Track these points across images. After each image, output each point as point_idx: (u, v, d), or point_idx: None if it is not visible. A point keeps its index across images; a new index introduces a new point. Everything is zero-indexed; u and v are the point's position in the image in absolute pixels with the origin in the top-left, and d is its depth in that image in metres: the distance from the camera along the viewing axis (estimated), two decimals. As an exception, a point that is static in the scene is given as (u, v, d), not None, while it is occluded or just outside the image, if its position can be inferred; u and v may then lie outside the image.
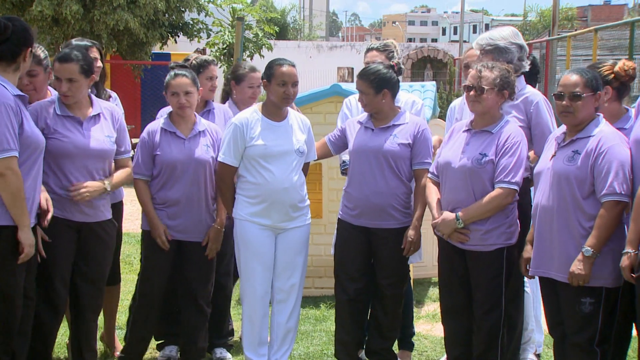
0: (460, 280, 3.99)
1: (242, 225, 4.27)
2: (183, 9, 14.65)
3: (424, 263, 6.04)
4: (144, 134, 4.25)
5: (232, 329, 4.92)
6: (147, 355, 4.63)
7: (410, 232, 4.18)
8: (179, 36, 15.53)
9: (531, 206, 3.79)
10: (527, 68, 4.26)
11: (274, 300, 4.38)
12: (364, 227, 4.25)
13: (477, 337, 3.95)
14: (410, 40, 64.75)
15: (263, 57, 15.97)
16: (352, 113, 4.68)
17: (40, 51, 3.98)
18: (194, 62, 4.63)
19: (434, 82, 7.03)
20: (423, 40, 62.46)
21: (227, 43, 15.80)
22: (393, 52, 4.75)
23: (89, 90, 4.04)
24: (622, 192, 3.38)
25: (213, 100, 4.77)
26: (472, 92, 3.86)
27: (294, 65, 4.26)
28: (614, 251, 3.43)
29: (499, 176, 3.81)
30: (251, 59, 16.33)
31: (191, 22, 15.52)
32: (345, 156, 4.53)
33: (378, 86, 4.16)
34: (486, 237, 3.85)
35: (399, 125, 4.24)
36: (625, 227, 3.48)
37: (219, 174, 4.34)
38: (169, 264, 4.27)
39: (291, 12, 39.35)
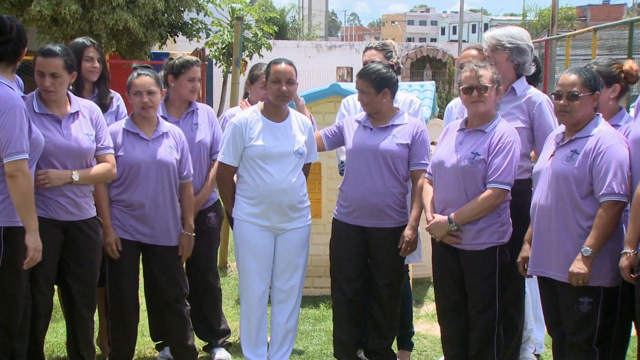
0: (454, 280, 4.00)
1: (240, 226, 4.27)
2: (182, 9, 14.65)
3: (424, 263, 6.03)
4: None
5: (228, 328, 4.88)
6: (148, 355, 4.63)
7: (407, 232, 4.18)
8: (178, 36, 15.54)
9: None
10: (532, 71, 4.26)
11: (273, 301, 4.38)
12: (360, 227, 4.24)
13: (472, 336, 3.96)
14: (409, 40, 64.77)
15: (262, 56, 15.97)
16: (350, 113, 4.68)
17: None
18: (176, 61, 4.53)
19: (433, 82, 7.02)
20: (422, 40, 62.49)
21: (226, 43, 15.81)
22: (391, 51, 4.75)
23: (70, 87, 3.98)
24: (621, 192, 3.38)
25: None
26: (474, 93, 3.85)
27: (290, 64, 4.23)
28: (612, 251, 3.44)
29: (492, 176, 3.81)
30: (250, 59, 16.34)
31: (190, 22, 15.52)
32: (344, 156, 4.52)
33: (379, 85, 4.16)
34: (478, 236, 3.85)
35: (398, 125, 4.23)
36: (624, 226, 3.48)
37: (218, 174, 4.34)
38: (135, 268, 4.22)
39: (290, 11, 39.34)
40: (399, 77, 4.44)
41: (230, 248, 7.05)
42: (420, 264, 6.14)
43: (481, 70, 3.85)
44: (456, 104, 4.62)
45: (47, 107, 3.82)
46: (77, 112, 3.91)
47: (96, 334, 4.75)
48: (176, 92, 4.53)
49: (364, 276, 4.31)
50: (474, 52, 4.61)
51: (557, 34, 16.41)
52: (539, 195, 3.62)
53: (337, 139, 4.43)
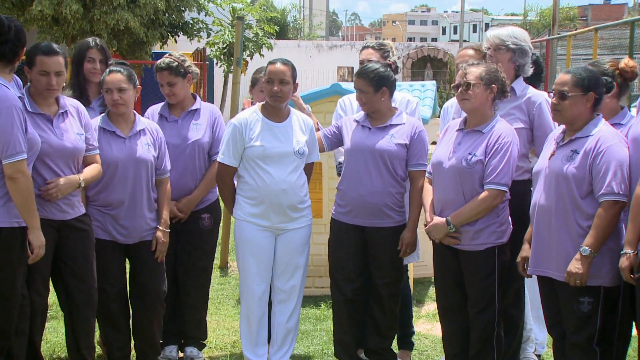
0: (455, 280, 4.00)
1: (241, 226, 4.27)
2: (183, 9, 14.68)
3: (424, 262, 6.03)
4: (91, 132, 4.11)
5: (205, 332, 4.77)
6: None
7: (406, 235, 4.17)
8: (179, 35, 15.56)
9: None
10: (530, 73, 4.26)
11: (274, 301, 4.38)
12: (359, 226, 4.24)
13: (472, 335, 3.96)
14: (410, 39, 64.75)
15: (263, 56, 15.99)
16: (347, 113, 4.67)
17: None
18: (159, 62, 4.51)
19: (434, 82, 7.02)
20: (423, 39, 62.45)
21: (227, 42, 15.83)
22: (388, 51, 4.74)
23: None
24: (620, 192, 3.38)
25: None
26: (459, 90, 3.86)
27: (286, 64, 4.20)
28: (612, 250, 3.44)
29: (489, 177, 3.80)
30: (251, 59, 16.36)
31: (191, 22, 15.54)
32: (342, 158, 4.52)
33: (377, 84, 4.16)
34: (476, 237, 3.85)
35: (397, 125, 4.23)
36: (623, 226, 3.48)
37: (218, 174, 4.33)
38: (119, 268, 4.19)
39: (291, 11, 39.37)
40: (400, 77, 4.44)
41: (231, 248, 7.05)
42: (420, 264, 6.14)
43: (469, 68, 3.86)
44: (452, 104, 4.62)
45: (38, 106, 3.77)
46: (66, 111, 3.89)
47: (97, 334, 4.76)
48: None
49: (363, 276, 4.31)
50: (470, 52, 4.61)
51: (558, 34, 16.41)
52: (539, 195, 3.62)
53: (336, 139, 4.42)
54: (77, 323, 4.01)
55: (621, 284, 3.44)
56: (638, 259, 3.27)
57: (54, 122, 3.80)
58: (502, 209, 3.90)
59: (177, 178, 4.42)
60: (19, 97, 3.47)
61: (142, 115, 4.47)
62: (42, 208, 3.73)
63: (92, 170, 3.95)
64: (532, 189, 3.85)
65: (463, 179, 3.84)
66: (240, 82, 7.19)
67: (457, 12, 74.26)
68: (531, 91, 4.16)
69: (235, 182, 4.35)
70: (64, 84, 3.96)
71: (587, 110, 3.55)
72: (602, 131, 3.50)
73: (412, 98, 4.77)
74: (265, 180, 4.16)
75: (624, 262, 3.30)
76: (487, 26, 58.84)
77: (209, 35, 16.23)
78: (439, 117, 6.96)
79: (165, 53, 4.73)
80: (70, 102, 3.94)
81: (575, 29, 22.78)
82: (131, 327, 4.34)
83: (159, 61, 4.55)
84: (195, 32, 15.63)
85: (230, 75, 10.42)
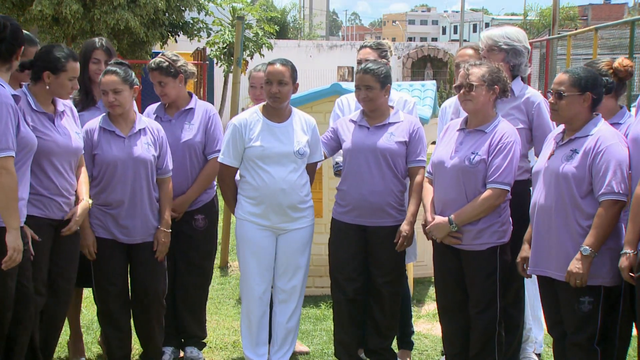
0: (455, 279, 3.99)
1: (241, 225, 4.28)
2: (183, 8, 14.67)
3: (424, 262, 6.04)
4: (82, 132, 4.12)
5: (204, 332, 4.76)
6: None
7: (405, 227, 4.17)
8: (179, 35, 15.55)
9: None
10: (528, 72, 4.26)
11: (275, 301, 4.38)
12: (360, 226, 4.24)
13: (473, 335, 3.96)
14: (410, 39, 64.77)
15: (263, 56, 15.97)
16: (344, 112, 4.67)
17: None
18: (150, 62, 4.52)
19: (434, 81, 7.02)
20: (423, 39, 62.42)
21: (227, 42, 15.82)
22: (386, 51, 4.75)
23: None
24: (620, 192, 3.38)
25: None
26: (462, 91, 3.86)
27: (285, 64, 4.19)
28: (612, 250, 3.44)
29: (492, 176, 3.81)
30: (251, 59, 16.34)
31: (191, 22, 15.53)
32: (339, 157, 4.52)
33: (384, 82, 4.18)
34: (479, 237, 3.85)
35: (395, 123, 4.24)
36: (623, 225, 3.48)
37: (219, 174, 4.35)
38: (121, 267, 4.18)
39: (291, 11, 39.35)
40: (398, 77, 4.46)
41: (231, 248, 7.05)
42: (420, 264, 6.14)
43: (472, 69, 3.86)
44: (450, 104, 4.62)
45: (41, 106, 3.78)
46: (64, 110, 3.90)
47: (98, 334, 4.76)
48: None
49: (364, 275, 4.31)
50: (469, 51, 4.61)
51: (559, 34, 16.42)
52: (539, 195, 3.62)
53: (335, 144, 4.42)
54: (52, 322, 3.96)
55: (621, 283, 3.44)
56: (638, 259, 3.27)
57: (55, 121, 3.81)
58: (503, 209, 3.90)
59: (171, 178, 4.40)
60: (15, 95, 3.44)
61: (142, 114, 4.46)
62: (45, 207, 3.74)
63: (86, 184, 3.99)
64: (531, 188, 3.85)
65: (466, 178, 3.84)
66: (240, 82, 7.20)
67: (457, 11, 74.27)
68: (529, 91, 4.16)
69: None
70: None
71: (585, 110, 3.54)
72: (601, 131, 3.50)
73: (410, 98, 4.78)
74: (265, 180, 4.16)
75: (623, 262, 3.30)
76: (487, 26, 58.82)
77: (209, 35, 16.22)
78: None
79: (159, 54, 4.71)
80: (62, 102, 3.94)
81: (576, 29, 22.78)
82: (133, 328, 4.34)
83: (150, 61, 4.55)
84: (196, 32, 15.63)
85: (231, 75, 10.42)
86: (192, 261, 4.53)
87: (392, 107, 4.34)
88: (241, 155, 4.23)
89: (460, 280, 3.98)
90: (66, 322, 4.63)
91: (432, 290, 6.10)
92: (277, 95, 4.15)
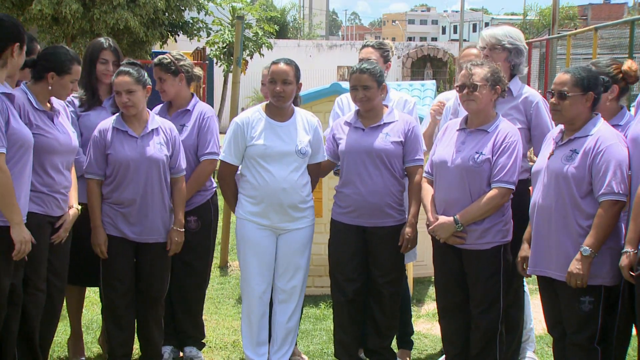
0: (456, 279, 3.99)
1: (242, 224, 4.28)
2: (183, 8, 14.66)
3: (424, 262, 6.04)
4: (95, 132, 4.14)
5: (202, 332, 4.75)
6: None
7: (407, 230, 4.17)
8: (179, 35, 15.54)
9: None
10: (525, 72, 4.26)
11: (275, 300, 4.38)
12: (360, 227, 4.24)
13: (475, 335, 3.95)
14: (410, 39, 64.76)
15: (263, 56, 15.98)
16: (344, 111, 4.67)
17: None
18: (156, 59, 4.55)
19: (434, 81, 7.05)
20: (423, 39, 62.43)
21: (227, 42, 15.82)
22: (388, 51, 4.75)
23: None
24: (620, 192, 3.38)
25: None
26: (465, 91, 3.85)
27: (289, 64, 4.20)
28: (612, 249, 3.44)
29: (497, 175, 3.81)
30: (251, 58, 16.35)
31: (191, 21, 15.53)
32: None
33: (380, 81, 4.18)
34: (483, 236, 3.85)
35: (390, 123, 4.23)
36: (622, 225, 3.48)
37: (219, 172, 4.35)
38: (128, 266, 4.18)
39: (291, 11, 39.36)
40: (398, 76, 4.46)
41: (231, 247, 7.05)
42: (420, 263, 6.14)
43: (475, 69, 3.85)
44: (448, 106, 4.62)
45: (41, 104, 3.78)
46: (58, 110, 3.91)
47: (98, 333, 4.76)
48: None
49: (363, 276, 4.31)
50: (474, 50, 4.61)
51: (558, 33, 16.41)
52: (539, 195, 3.62)
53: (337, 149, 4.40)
54: (46, 320, 3.93)
55: (621, 283, 3.44)
56: (638, 257, 3.27)
57: (54, 119, 3.82)
58: (506, 208, 3.90)
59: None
60: (8, 94, 3.42)
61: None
62: (44, 204, 3.75)
63: (75, 189, 4.01)
64: (530, 188, 3.85)
65: (470, 177, 3.84)
66: (240, 82, 7.19)
67: (457, 11, 74.26)
68: (527, 90, 4.16)
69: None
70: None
71: (587, 110, 3.55)
72: (601, 131, 3.50)
73: (410, 98, 4.77)
74: (266, 179, 4.16)
75: (624, 260, 3.31)
76: (487, 25, 58.82)
77: (208, 34, 16.22)
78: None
79: (165, 52, 4.72)
80: (57, 101, 3.95)
81: (575, 29, 22.78)
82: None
83: (163, 57, 4.58)
84: (195, 32, 15.62)
85: (230, 75, 10.42)
86: (186, 262, 4.51)
87: (387, 107, 4.33)
88: (242, 154, 4.23)
89: (461, 280, 3.98)
90: (67, 321, 4.65)
91: (432, 290, 6.10)
92: (281, 94, 4.15)
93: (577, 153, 3.49)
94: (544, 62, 16.32)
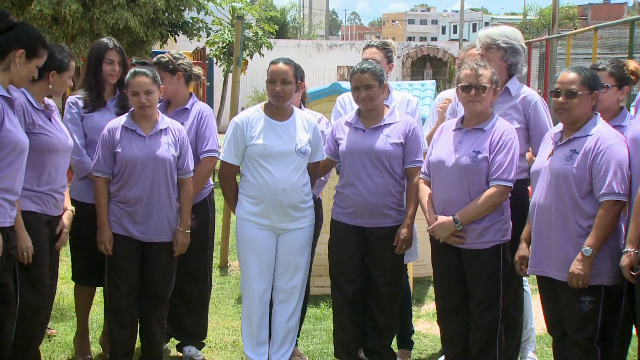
0: (455, 279, 3.99)
1: (242, 224, 4.27)
2: (183, 8, 14.65)
3: (424, 261, 6.03)
4: (105, 131, 4.15)
5: (203, 331, 4.77)
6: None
7: (403, 230, 4.17)
8: (178, 35, 15.53)
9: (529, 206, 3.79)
10: (524, 71, 4.26)
11: (275, 300, 4.38)
12: (359, 227, 4.24)
13: (475, 335, 3.95)
14: (410, 39, 64.75)
15: (263, 55, 15.98)
16: (346, 110, 4.67)
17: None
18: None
19: (434, 81, 7.04)
20: (423, 39, 62.44)
21: (227, 42, 15.82)
22: (391, 51, 4.75)
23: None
24: (621, 192, 3.38)
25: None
26: (472, 92, 3.84)
27: (289, 63, 4.20)
28: (612, 249, 3.44)
29: (495, 173, 3.80)
30: (251, 58, 16.36)
31: (191, 21, 15.52)
32: None
33: (381, 80, 4.18)
34: (483, 235, 3.85)
35: (390, 124, 4.23)
36: (622, 224, 3.48)
37: (220, 172, 4.36)
38: (134, 265, 4.18)
39: (291, 11, 39.37)
40: (397, 76, 4.46)
41: (231, 247, 7.05)
42: (420, 263, 6.13)
43: (481, 70, 3.84)
44: (442, 97, 4.62)
45: (39, 103, 3.79)
46: (54, 109, 3.92)
47: (99, 333, 4.76)
48: None
49: (363, 276, 4.31)
50: (479, 45, 4.62)
51: (558, 33, 16.41)
52: (539, 195, 3.62)
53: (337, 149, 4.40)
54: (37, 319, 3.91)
55: (623, 282, 3.44)
56: (638, 257, 3.28)
57: (51, 118, 3.82)
58: (505, 207, 3.90)
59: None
60: (6, 97, 3.41)
61: None
62: (43, 203, 3.75)
63: (67, 191, 4.02)
64: (528, 188, 3.85)
65: (469, 177, 3.83)
66: (240, 82, 7.19)
67: (456, 11, 74.24)
68: (525, 90, 4.16)
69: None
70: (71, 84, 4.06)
71: (590, 109, 3.56)
72: (601, 131, 3.51)
73: (413, 98, 4.77)
74: (266, 179, 4.16)
75: (624, 260, 3.31)
76: (486, 25, 58.77)
77: (208, 34, 16.21)
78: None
79: (165, 52, 4.73)
80: (48, 100, 3.94)
81: (575, 28, 22.77)
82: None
83: (162, 56, 4.61)
84: (195, 32, 15.61)
85: (230, 75, 10.42)
86: (187, 261, 4.52)
87: (388, 107, 4.33)
88: (242, 154, 4.23)
89: (461, 280, 3.97)
90: (68, 320, 4.65)
91: (432, 290, 6.09)
92: (280, 94, 4.16)
93: (578, 153, 3.49)
94: (543, 62, 16.32)
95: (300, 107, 4.53)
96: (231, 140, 4.23)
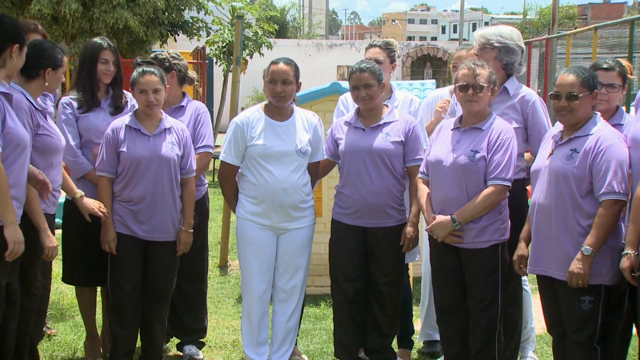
0: (454, 278, 3.98)
1: (242, 224, 4.27)
2: (183, 8, 14.66)
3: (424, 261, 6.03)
4: (108, 130, 4.16)
5: (203, 327, 4.80)
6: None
7: (409, 229, 4.17)
8: (178, 34, 15.54)
9: (528, 206, 3.79)
10: (523, 71, 4.26)
11: (275, 300, 4.38)
12: (360, 227, 4.23)
13: (474, 334, 3.95)
14: (409, 38, 64.71)
15: (263, 55, 15.96)
16: (348, 110, 4.66)
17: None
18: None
19: (434, 80, 7.03)
20: (423, 38, 62.41)
21: (227, 41, 15.79)
22: (394, 51, 4.75)
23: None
24: (621, 191, 3.38)
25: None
26: (469, 91, 3.84)
27: (289, 64, 4.20)
28: (612, 248, 3.44)
29: (493, 173, 3.80)
30: (251, 58, 16.34)
31: (191, 21, 15.52)
32: None
33: (380, 78, 4.19)
34: (481, 234, 3.84)
35: (390, 123, 4.23)
36: (622, 224, 3.48)
37: (220, 172, 4.36)
38: (137, 264, 4.18)
39: (291, 10, 39.37)
40: (397, 75, 4.47)
41: (231, 247, 7.05)
42: (421, 263, 6.13)
43: (479, 69, 3.84)
44: (436, 96, 4.61)
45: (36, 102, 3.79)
46: (48, 108, 3.93)
47: (98, 332, 4.76)
48: None
49: (364, 276, 4.30)
50: (476, 45, 4.62)
51: (558, 33, 16.41)
52: (539, 194, 3.62)
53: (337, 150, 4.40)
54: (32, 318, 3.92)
55: (623, 282, 3.44)
56: (638, 259, 3.27)
57: (47, 118, 3.83)
58: (503, 206, 3.90)
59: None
60: (6, 93, 3.41)
61: None
62: (43, 202, 3.74)
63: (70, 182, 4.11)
64: (527, 187, 3.85)
65: (467, 176, 3.83)
66: (240, 81, 7.19)
67: (456, 11, 74.25)
68: (524, 90, 4.15)
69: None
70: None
71: (591, 109, 3.56)
72: (601, 130, 3.51)
73: (415, 98, 4.77)
74: (267, 179, 4.16)
75: (624, 262, 3.31)
76: (486, 25, 58.75)
77: (208, 34, 16.21)
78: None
79: (163, 52, 4.74)
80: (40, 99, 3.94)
81: (575, 28, 22.77)
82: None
83: (162, 56, 4.63)
84: (195, 31, 15.62)
85: (230, 74, 10.42)
86: (184, 259, 4.52)
87: (387, 106, 4.33)
88: (242, 154, 4.23)
89: (459, 280, 3.97)
90: (70, 320, 4.64)
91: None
92: (281, 94, 4.15)
93: (578, 153, 3.49)
94: (543, 61, 16.32)
95: None
96: (231, 141, 4.23)
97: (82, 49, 4.53)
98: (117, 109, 4.38)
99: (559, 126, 3.69)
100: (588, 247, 3.39)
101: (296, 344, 4.58)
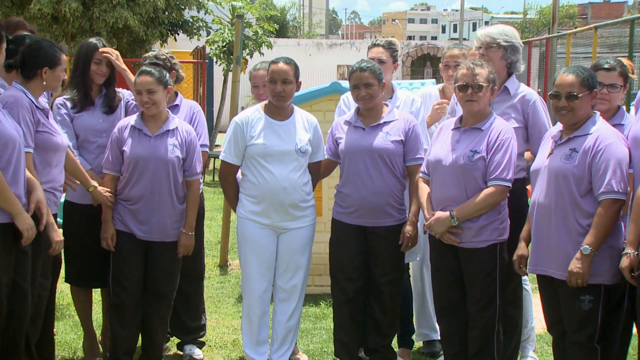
0: (453, 278, 3.99)
1: (242, 224, 4.27)
2: (183, 7, 14.65)
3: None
4: (115, 129, 4.20)
5: (202, 326, 4.81)
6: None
7: (408, 228, 4.17)
8: (178, 34, 15.54)
9: (528, 206, 3.79)
10: (522, 69, 4.27)
11: (275, 299, 4.38)
12: (360, 226, 4.23)
13: (472, 334, 3.95)
14: (410, 38, 64.75)
15: (263, 54, 15.95)
16: (350, 109, 4.66)
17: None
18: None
19: (434, 80, 7.02)
20: (423, 38, 62.46)
21: (227, 41, 15.79)
22: (397, 50, 4.76)
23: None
24: (620, 191, 3.39)
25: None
26: (469, 91, 3.84)
27: (289, 63, 4.20)
28: (612, 248, 3.44)
29: (493, 173, 3.80)
30: (251, 57, 16.33)
31: (191, 20, 15.51)
32: None
33: (380, 78, 4.19)
34: (479, 234, 3.84)
35: (390, 122, 4.23)
36: (622, 224, 3.48)
37: (220, 172, 4.37)
38: (138, 263, 4.19)
39: (291, 10, 39.39)
40: (397, 75, 4.47)
41: (231, 246, 7.05)
42: (420, 262, 6.13)
43: (478, 69, 3.84)
44: (433, 93, 4.61)
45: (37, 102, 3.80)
46: (47, 107, 3.93)
47: (98, 332, 4.76)
48: None
49: (364, 275, 4.31)
50: (456, 51, 4.68)
51: (558, 32, 16.40)
52: (538, 194, 3.62)
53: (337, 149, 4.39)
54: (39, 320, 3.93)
55: (623, 282, 3.44)
56: (638, 259, 3.27)
57: (48, 117, 3.84)
58: (503, 206, 3.90)
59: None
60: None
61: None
62: (47, 200, 3.73)
63: (84, 174, 4.14)
64: (527, 187, 3.85)
65: (466, 176, 3.83)
66: (240, 81, 7.19)
67: (456, 10, 74.25)
68: (524, 89, 4.16)
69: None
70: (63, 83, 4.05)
71: (591, 109, 3.57)
72: (600, 129, 3.51)
73: (417, 97, 4.77)
74: (267, 179, 4.16)
75: (624, 261, 3.31)
76: (486, 24, 58.76)
77: (208, 33, 16.20)
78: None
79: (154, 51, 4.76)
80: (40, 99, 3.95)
81: (575, 27, 22.77)
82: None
83: (157, 54, 4.64)
84: (195, 31, 15.61)
85: (230, 74, 10.42)
86: (184, 260, 4.52)
87: (387, 105, 4.33)
88: (242, 153, 4.23)
89: (459, 279, 3.98)
90: (68, 319, 4.64)
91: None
92: (281, 94, 4.16)
93: (577, 152, 3.49)
94: (543, 61, 16.31)
95: None
96: (231, 140, 4.23)
97: (78, 48, 4.55)
98: (111, 108, 4.40)
99: (559, 126, 3.69)
100: (587, 246, 3.39)
101: (296, 343, 4.59)
